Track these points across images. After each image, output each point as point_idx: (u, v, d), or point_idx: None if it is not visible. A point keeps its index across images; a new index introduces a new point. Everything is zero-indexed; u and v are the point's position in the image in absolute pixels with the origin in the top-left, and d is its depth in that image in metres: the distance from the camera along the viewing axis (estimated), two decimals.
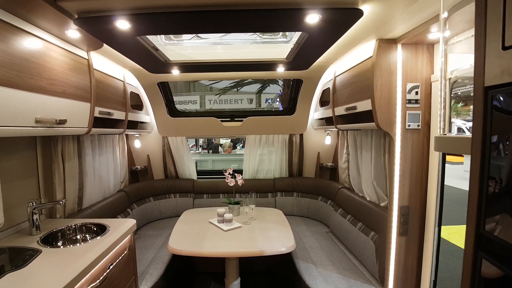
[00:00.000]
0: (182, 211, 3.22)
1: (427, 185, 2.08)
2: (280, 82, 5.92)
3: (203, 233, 2.42)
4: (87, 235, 1.92)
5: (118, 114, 2.52)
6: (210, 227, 2.55)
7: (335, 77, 2.78)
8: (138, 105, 3.17)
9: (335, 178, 3.63)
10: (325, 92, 3.22)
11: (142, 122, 3.27)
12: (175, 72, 2.60)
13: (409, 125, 2.03)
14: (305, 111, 3.44)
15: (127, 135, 3.41)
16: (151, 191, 3.51)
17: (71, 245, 1.67)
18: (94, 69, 2.08)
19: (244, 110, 3.75)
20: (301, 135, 3.69)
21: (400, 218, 2.09)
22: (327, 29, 1.68)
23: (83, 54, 1.94)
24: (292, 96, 3.46)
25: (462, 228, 5.10)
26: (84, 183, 2.43)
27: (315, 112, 3.51)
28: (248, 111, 3.61)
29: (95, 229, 1.93)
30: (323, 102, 3.30)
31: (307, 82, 3.08)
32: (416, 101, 2.02)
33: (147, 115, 3.37)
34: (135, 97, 3.11)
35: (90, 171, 2.52)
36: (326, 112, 3.06)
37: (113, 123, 2.58)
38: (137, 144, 3.46)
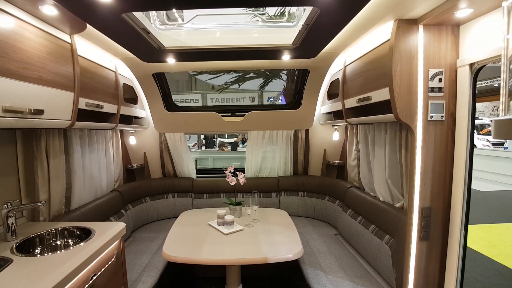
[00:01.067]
0: (181, 212, 3.02)
1: (452, 184, 1.86)
2: (284, 77, 5.70)
3: (201, 237, 2.21)
4: (70, 241, 1.72)
5: (109, 107, 2.32)
6: (210, 230, 2.35)
7: (345, 67, 2.56)
8: (132, 99, 2.96)
9: (343, 177, 3.42)
10: (333, 84, 2.99)
11: (137, 117, 3.07)
12: (171, 60, 2.39)
13: (431, 117, 1.80)
14: (311, 105, 3.22)
15: (121, 131, 3.20)
16: (148, 191, 3.31)
17: (50, 253, 1.47)
18: (79, 55, 1.87)
19: (246, 105, 3.51)
20: (307, 131, 3.47)
21: (421, 220, 1.87)
22: (342, 3, 1.46)
23: (66, 37, 1.73)
24: (298, 89, 3.24)
25: (474, 228, 4.84)
26: (72, 182, 2.23)
27: (322, 106, 3.29)
28: (250, 106, 3.37)
29: (78, 233, 1.73)
30: (331, 95, 3.08)
31: (314, 72, 2.86)
32: (440, 90, 1.79)
33: (143, 110, 3.16)
34: (129, 89, 2.90)
35: (79, 169, 2.32)
36: (335, 105, 2.84)
37: (104, 117, 2.37)
38: (132, 140, 3.25)
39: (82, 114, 1.92)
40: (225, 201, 2.79)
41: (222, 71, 6.33)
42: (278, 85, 6.42)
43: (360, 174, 2.95)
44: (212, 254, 1.95)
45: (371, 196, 2.65)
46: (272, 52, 2.27)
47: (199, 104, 11.33)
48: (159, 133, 3.39)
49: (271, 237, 2.23)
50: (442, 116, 1.81)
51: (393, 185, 2.37)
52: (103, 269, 1.51)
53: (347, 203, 2.96)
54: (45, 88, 1.51)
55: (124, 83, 2.66)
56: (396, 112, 1.78)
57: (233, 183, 2.68)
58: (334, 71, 2.90)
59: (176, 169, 3.51)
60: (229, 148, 7.47)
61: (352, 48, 2.40)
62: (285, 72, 5.57)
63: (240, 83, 6.39)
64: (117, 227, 1.73)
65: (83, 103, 1.90)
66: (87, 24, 1.66)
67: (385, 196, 2.48)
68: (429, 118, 1.80)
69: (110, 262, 1.59)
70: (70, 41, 1.75)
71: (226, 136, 15.33)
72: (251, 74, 6.27)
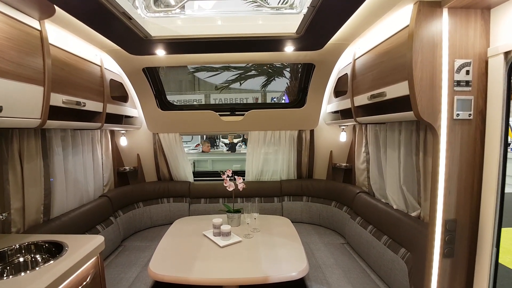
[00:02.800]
0: (176, 218, 2.79)
1: (481, 193, 1.60)
2: (287, 75, 5.44)
3: (194, 250, 1.98)
4: (39, 257, 1.49)
5: (92, 105, 2.10)
6: (204, 241, 2.11)
7: (355, 60, 2.31)
8: (122, 97, 2.74)
9: (350, 181, 3.17)
10: (340, 80, 2.75)
11: (128, 117, 2.85)
12: (160, 52, 2.15)
13: (457, 115, 1.55)
14: (317, 103, 2.97)
15: (112, 132, 2.98)
16: (141, 196, 3.09)
17: (9, 276, 1.24)
18: (55, 46, 1.65)
19: (246, 103, 3.27)
20: (312, 131, 3.22)
21: (445, 235, 1.61)
22: None
23: (34, 23, 1.50)
24: (302, 86, 2.99)
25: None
26: (53, 188, 2.01)
27: (328, 105, 3.05)
28: (250, 104, 3.13)
29: (49, 248, 1.50)
30: (338, 93, 2.83)
31: (320, 67, 2.60)
32: (467, 83, 1.54)
33: (134, 109, 2.93)
34: (118, 86, 2.68)
35: (60, 174, 2.10)
36: (343, 103, 2.59)
37: (88, 116, 2.15)
38: (123, 141, 3.02)
39: (58, 112, 1.70)
40: (223, 208, 2.55)
41: (221, 68, 6.08)
42: (281, 84, 6.17)
43: (370, 178, 2.70)
44: (205, 273, 1.72)
45: (383, 203, 2.41)
46: (274, 43, 2.02)
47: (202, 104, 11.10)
48: (152, 133, 3.17)
49: (273, 250, 1.99)
50: (469, 114, 1.56)
51: (409, 192, 2.13)
52: None
53: (355, 210, 2.72)
54: (3, 80, 1.29)
55: (111, 79, 2.44)
56: (416, 109, 1.53)
57: (231, 189, 2.45)
58: (341, 66, 2.66)
59: (171, 172, 3.29)
60: (210, 148, 7.15)
61: (363, 39, 2.16)
62: (288, 69, 5.33)
63: (242, 81, 6.13)
64: (95, 241, 1.51)
65: (58, 99, 1.68)
66: (56, 7, 1.43)
67: (399, 203, 2.25)
68: (454, 116, 1.55)
69: (84, 284, 1.36)
70: (39, 28, 1.53)
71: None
72: (253, 72, 6.02)
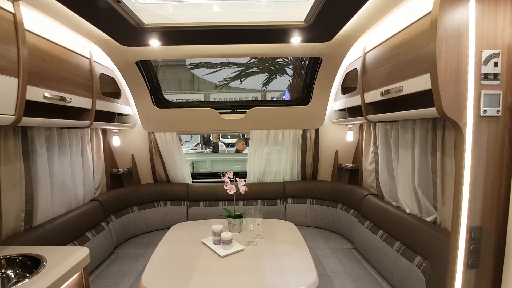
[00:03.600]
0: (174, 223, 2.63)
1: (509, 198, 1.45)
2: (290, 72, 5.27)
3: (192, 261, 1.81)
4: (11, 274, 1.31)
5: (80, 101, 1.92)
6: (203, 250, 1.94)
7: (365, 54, 2.15)
8: (115, 93, 2.57)
9: (356, 182, 3.02)
10: (348, 76, 2.59)
11: (121, 114, 2.67)
12: (154, 43, 1.98)
13: (485, 111, 1.39)
14: (323, 100, 2.81)
15: (104, 131, 2.80)
16: (136, 199, 2.91)
17: None
18: (31, 31, 1.47)
19: (248, 101, 3.10)
20: (317, 130, 3.06)
21: (469, 244, 1.46)
22: None
23: (4, 4, 1.31)
24: (307, 82, 2.82)
25: None
26: (35, 193, 1.84)
27: (335, 102, 2.89)
28: (252, 102, 2.96)
29: (23, 261, 1.32)
30: (346, 90, 2.67)
31: (327, 61, 2.44)
32: (495, 76, 1.38)
33: (128, 106, 2.75)
34: (110, 82, 2.50)
35: (44, 176, 1.92)
36: (351, 101, 2.43)
37: (76, 113, 1.98)
38: (116, 141, 2.84)
39: (40, 109, 1.53)
40: (223, 213, 2.38)
41: (221, 64, 5.86)
42: (282, 82, 5.99)
43: (380, 180, 2.55)
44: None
45: (394, 206, 2.26)
46: (279, 33, 1.85)
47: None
48: (148, 133, 2.99)
49: (278, 260, 1.83)
50: (498, 111, 1.40)
51: (423, 195, 1.98)
52: None
53: (364, 214, 2.56)
54: None
55: (102, 73, 2.26)
56: (440, 105, 1.37)
57: (232, 192, 2.28)
58: (350, 61, 2.50)
59: (168, 173, 3.11)
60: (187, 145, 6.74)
61: (374, 30, 2.00)
62: (290, 66, 5.16)
63: (242, 79, 5.93)
64: (78, 254, 1.33)
65: (39, 94, 1.50)
66: None
67: (412, 207, 2.11)
68: (481, 113, 1.39)
69: None
70: (12, 10, 1.35)
71: (229, 137, 14.79)
72: (254, 69, 5.82)
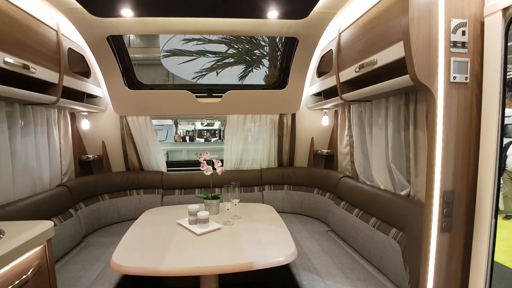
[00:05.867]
0: None
1: (478, 161, 1.51)
2: (266, 63, 5.28)
3: (167, 239, 1.73)
4: None
5: (45, 74, 1.79)
6: (179, 230, 1.87)
7: (340, 34, 2.19)
8: (84, 73, 2.42)
9: (332, 167, 3.06)
10: (324, 59, 2.62)
11: (91, 96, 2.53)
12: (127, 13, 1.88)
13: (454, 77, 1.45)
14: (299, 84, 2.82)
15: (73, 115, 2.63)
16: (107, 187, 2.76)
17: None
18: None
19: (225, 84, 3.05)
20: (293, 116, 3.07)
21: (443, 207, 1.50)
22: None
23: None
24: (284, 66, 2.83)
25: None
26: None
27: (311, 87, 2.91)
28: (229, 86, 2.91)
29: None
30: (321, 74, 2.70)
31: (304, 41, 2.45)
32: (463, 45, 1.45)
33: (98, 87, 2.61)
34: (79, 60, 2.36)
35: (4, 155, 1.77)
36: (327, 82, 2.46)
37: (41, 88, 1.84)
38: (85, 125, 2.68)
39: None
40: (199, 195, 2.32)
41: (196, 53, 5.73)
42: (259, 76, 5.99)
43: (354, 162, 2.60)
44: (179, 262, 1.48)
45: (368, 185, 2.30)
46: (255, 5, 1.83)
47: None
48: (120, 116, 2.85)
49: (256, 236, 1.79)
50: (466, 77, 1.46)
51: (397, 170, 2.04)
52: None
53: (339, 195, 2.60)
54: None
55: (70, 48, 2.12)
56: (413, 70, 1.41)
57: (209, 173, 2.22)
58: (325, 43, 2.53)
59: (142, 161, 2.98)
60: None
61: (348, 9, 2.04)
62: (267, 58, 5.17)
63: (219, 70, 5.84)
64: (40, 226, 1.23)
65: None
66: None
67: (386, 183, 2.17)
68: (451, 79, 1.44)
69: (23, 278, 1.08)
70: None
71: (205, 135, 14.62)
72: (230, 59, 5.76)
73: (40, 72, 1.73)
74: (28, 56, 1.63)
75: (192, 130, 16.03)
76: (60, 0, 1.76)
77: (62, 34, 2.00)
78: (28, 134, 2.01)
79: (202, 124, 15.40)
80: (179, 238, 1.74)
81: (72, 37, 2.21)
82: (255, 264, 1.47)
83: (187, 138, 15.48)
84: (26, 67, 1.58)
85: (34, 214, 1.88)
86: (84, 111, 2.60)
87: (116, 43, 2.42)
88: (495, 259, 1.50)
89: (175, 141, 13.27)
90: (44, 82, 1.84)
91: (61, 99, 1.96)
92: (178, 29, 2.18)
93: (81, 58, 2.38)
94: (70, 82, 2.07)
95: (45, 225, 1.24)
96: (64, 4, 1.84)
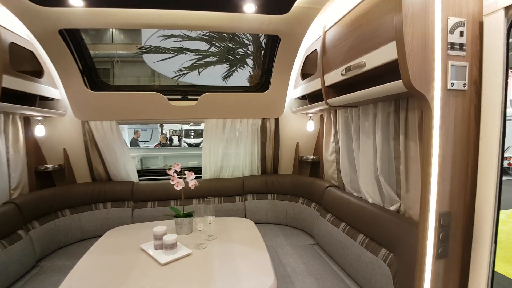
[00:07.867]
0: (116, 227, 2.23)
1: (476, 179, 1.34)
2: (251, 63, 5.05)
3: (125, 271, 1.48)
4: None
5: None
6: (141, 258, 1.61)
7: (325, 32, 1.99)
8: (35, 72, 2.12)
9: (317, 175, 2.89)
10: (308, 60, 2.42)
11: (47, 99, 2.23)
12: (76, 2, 1.60)
13: (452, 84, 1.27)
14: (282, 86, 2.62)
15: (27, 119, 2.32)
16: (68, 201, 2.46)
17: None
18: None
19: (201, 85, 2.79)
20: (277, 120, 2.87)
21: (438, 232, 1.33)
22: None
23: None
24: (266, 67, 2.61)
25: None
26: None
27: (295, 89, 2.71)
28: (206, 87, 2.67)
29: None
30: (305, 76, 2.50)
31: (286, 40, 2.23)
32: (461, 47, 1.27)
33: (55, 89, 2.31)
34: (28, 56, 2.06)
35: None
36: (311, 85, 2.26)
37: None
38: (40, 131, 2.36)
39: None
40: (169, 212, 2.07)
41: (175, 50, 5.37)
42: (243, 77, 5.74)
43: (341, 170, 2.42)
44: None
45: (356, 197, 2.14)
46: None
47: None
48: (81, 121, 2.56)
49: (231, 263, 1.57)
50: (464, 84, 1.29)
51: (386, 183, 1.87)
52: None
53: (325, 206, 2.42)
54: None
55: (12, 43, 1.82)
56: (407, 75, 1.22)
57: (179, 188, 1.98)
58: (309, 43, 2.33)
59: (109, 170, 2.70)
60: None
61: (334, 4, 1.84)
62: (251, 57, 4.94)
63: (200, 70, 5.51)
64: None
65: None
66: None
67: (374, 196, 2.00)
68: (449, 86, 1.26)
69: None
70: None
71: (192, 136, 14.23)
72: (211, 58, 5.46)
73: None
74: None
75: (179, 130, 15.65)
76: None
77: (1, 26, 1.70)
78: None
79: (188, 124, 15.07)
80: (139, 269, 1.50)
81: (17, 30, 1.91)
82: None
83: (174, 138, 15.09)
84: None
85: None
86: (38, 116, 2.29)
87: (73, 38, 2.13)
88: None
89: (160, 142, 12.87)
90: None
91: (0, 103, 1.67)
92: (141, 23, 1.91)
93: (31, 55, 2.07)
94: (13, 82, 1.77)
95: None
96: None
